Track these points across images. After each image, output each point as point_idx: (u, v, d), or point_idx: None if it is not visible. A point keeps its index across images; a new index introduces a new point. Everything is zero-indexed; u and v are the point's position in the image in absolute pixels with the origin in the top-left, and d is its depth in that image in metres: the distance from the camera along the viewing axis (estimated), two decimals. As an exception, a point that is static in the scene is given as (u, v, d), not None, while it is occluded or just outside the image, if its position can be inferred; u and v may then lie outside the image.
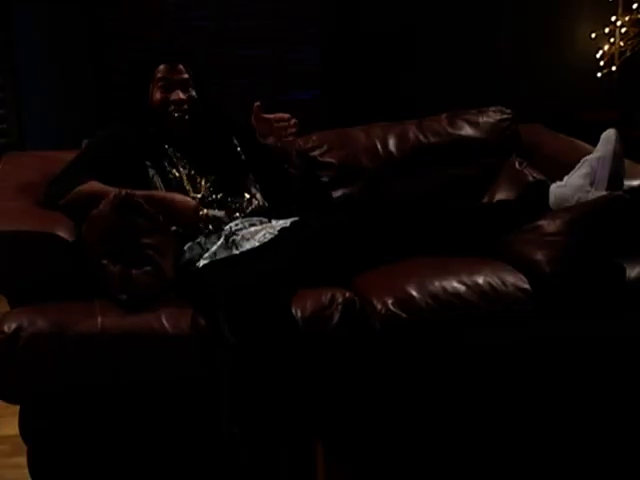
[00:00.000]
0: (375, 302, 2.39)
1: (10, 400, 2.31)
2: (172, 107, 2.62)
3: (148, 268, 2.35)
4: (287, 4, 4.45)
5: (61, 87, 4.05)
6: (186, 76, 2.64)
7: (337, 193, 2.98)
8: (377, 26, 4.38)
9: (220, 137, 2.75)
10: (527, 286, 2.49)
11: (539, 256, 2.51)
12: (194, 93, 2.65)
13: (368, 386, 2.40)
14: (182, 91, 2.63)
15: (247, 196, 2.65)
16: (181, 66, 2.64)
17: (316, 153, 2.99)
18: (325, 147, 3.01)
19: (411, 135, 3.06)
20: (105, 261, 2.33)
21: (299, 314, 2.31)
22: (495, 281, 2.49)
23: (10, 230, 2.35)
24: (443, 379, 2.46)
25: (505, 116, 3.12)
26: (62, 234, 2.36)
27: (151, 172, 2.60)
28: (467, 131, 3.08)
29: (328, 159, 2.99)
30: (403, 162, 3.02)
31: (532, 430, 2.53)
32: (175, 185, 2.60)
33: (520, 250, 2.57)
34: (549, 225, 2.55)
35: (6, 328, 2.22)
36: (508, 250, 2.60)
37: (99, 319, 2.27)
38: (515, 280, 2.49)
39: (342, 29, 4.40)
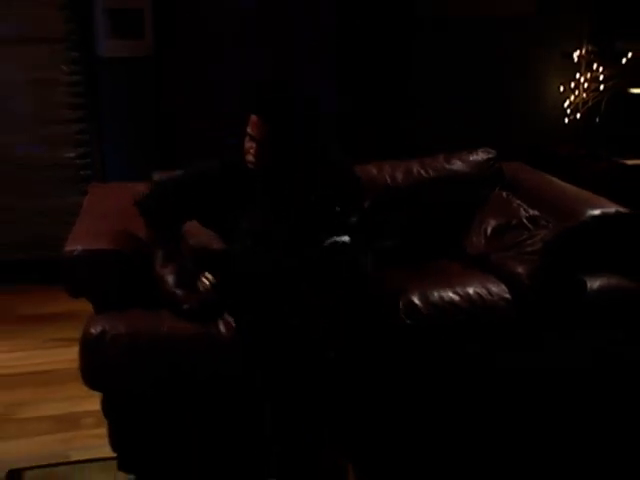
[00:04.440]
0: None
1: (95, 388, 2.54)
2: (247, 155, 2.69)
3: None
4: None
5: (132, 132, 4.27)
6: (261, 134, 2.61)
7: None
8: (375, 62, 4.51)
9: (296, 189, 2.72)
10: (508, 295, 2.68)
11: (520, 269, 2.70)
12: (267, 146, 2.64)
13: (378, 393, 2.52)
14: (253, 142, 2.65)
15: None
16: (262, 120, 2.61)
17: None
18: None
19: (414, 170, 3.25)
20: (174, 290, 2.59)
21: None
22: (483, 291, 2.70)
23: (89, 249, 2.56)
24: (443, 381, 2.60)
25: (491, 155, 3.29)
26: (127, 252, 2.57)
27: (232, 210, 2.69)
28: (460, 167, 3.25)
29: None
30: (408, 192, 3.19)
31: (532, 430, 2.65)
32: (253, 223, 2.66)
33: (504, 264, 2.76)
34: (530, 244, 2.76)
35: (93, 330, 2.48)
36: (496, 264, 2.79)
37: (166, 325, 2.51)
38: (499, 290, 2.70)
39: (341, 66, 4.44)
